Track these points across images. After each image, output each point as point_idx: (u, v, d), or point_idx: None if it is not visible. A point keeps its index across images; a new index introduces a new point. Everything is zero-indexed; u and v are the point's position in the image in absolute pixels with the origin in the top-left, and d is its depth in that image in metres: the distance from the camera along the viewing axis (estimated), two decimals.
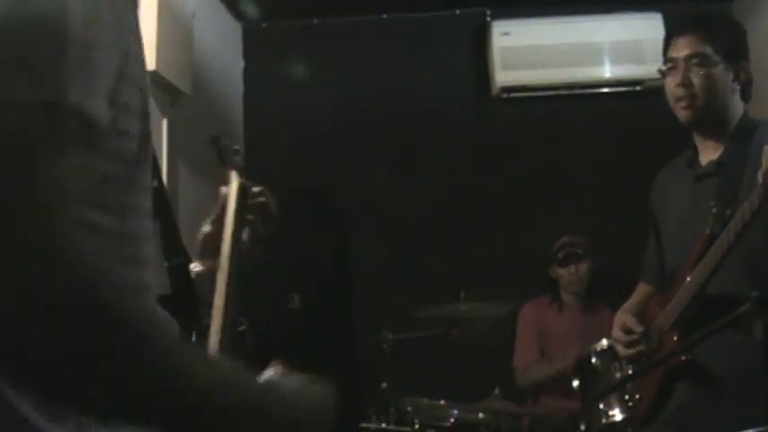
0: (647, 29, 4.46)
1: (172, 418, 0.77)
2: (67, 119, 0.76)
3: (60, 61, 0.77)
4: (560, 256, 4.11)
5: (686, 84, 2.28)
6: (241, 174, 1.45)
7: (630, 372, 2.46)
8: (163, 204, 1.08)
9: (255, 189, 1.48)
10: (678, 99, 2.31)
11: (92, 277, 0.72)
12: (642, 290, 2.56)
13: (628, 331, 2.38)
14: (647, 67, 4.44)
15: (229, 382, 0.82)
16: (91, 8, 0.80)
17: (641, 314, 2.43)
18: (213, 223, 1.42)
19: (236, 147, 1.54)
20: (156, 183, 1.06)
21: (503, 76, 4.57)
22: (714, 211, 2.18)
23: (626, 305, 2.54)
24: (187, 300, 1.13)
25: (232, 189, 1.41)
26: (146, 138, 0.90)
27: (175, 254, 1.12)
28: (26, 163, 0.73)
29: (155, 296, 0.94)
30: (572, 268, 4.09)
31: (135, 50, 0.88)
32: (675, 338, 2.24)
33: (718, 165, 2.30)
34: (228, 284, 1.25)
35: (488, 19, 4.67)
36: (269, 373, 0.93)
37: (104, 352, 0.72)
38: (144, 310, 0.82)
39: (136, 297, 0.86)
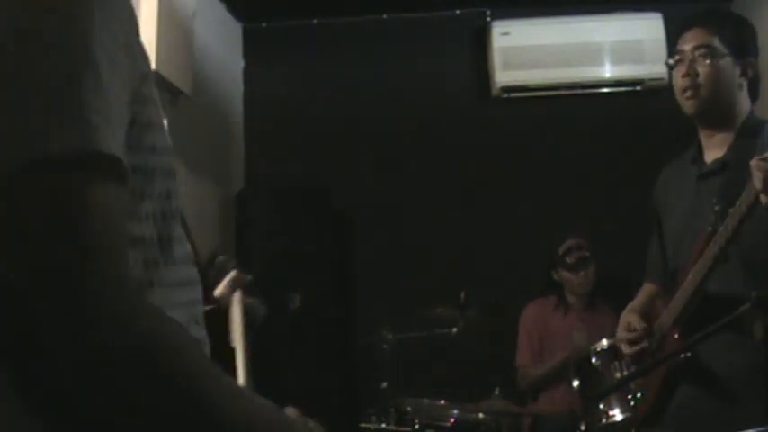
0: (647, 29, 4.46)
1: None
2: (103, 165, 0.77)
3: (87, 105, 0.76)
4: (569, 261, 4.05)
5: (691, 74, 2.27)
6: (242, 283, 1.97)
7: (631, 371, 2.46)
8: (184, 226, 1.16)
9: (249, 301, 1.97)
10: (683, 90, 2.29)
11: (149, 332, 0.77)
12: (647, 290, 2.54)
13: (631, 330, 2.38)
14: (647, 67, 4.45)
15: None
16: (112, 39, 0.80)
17: (647, 314, 2.42)
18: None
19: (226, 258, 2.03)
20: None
21: (503, 76, 4.56)
22: (716, 208, 2.16)
23: (631, 305, 2.51)
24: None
25: (236, 303, 1.93)
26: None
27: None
28: (70, 219, 0.74)
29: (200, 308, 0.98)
30: (581, 273, 4.04)
31: (147, 68, 0.89)
32: (676, 336, 2.23)
33: (723, 163, 2.27)
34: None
35: (488, 19, 4.67)
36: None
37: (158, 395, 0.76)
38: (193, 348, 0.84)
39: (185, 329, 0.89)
